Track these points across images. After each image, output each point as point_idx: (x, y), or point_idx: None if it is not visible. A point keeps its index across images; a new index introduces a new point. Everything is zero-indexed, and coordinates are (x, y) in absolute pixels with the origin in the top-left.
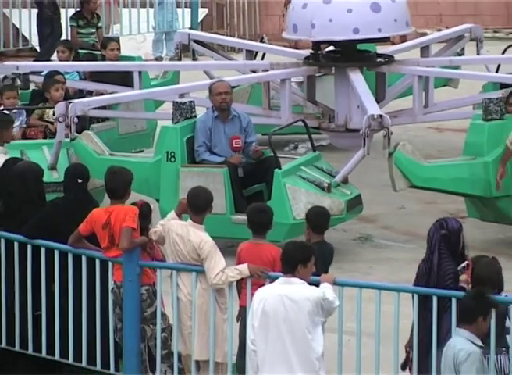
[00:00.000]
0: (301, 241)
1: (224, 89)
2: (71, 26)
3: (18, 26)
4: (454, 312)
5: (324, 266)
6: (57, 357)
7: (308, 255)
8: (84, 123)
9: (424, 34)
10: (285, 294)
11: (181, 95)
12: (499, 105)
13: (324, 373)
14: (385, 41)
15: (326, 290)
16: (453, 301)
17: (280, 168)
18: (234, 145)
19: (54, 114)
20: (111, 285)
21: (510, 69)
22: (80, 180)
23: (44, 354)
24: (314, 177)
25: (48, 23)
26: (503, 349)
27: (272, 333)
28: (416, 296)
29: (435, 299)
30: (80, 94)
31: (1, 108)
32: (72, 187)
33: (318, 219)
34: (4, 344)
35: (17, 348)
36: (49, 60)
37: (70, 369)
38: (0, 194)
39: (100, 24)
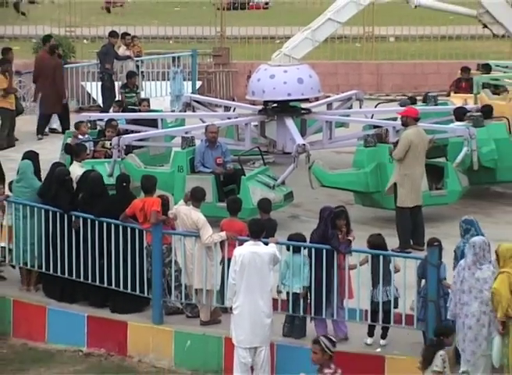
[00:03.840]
0: (262, 220)
1: (214, 130)
2: (121, 92)
3: (89, 92)
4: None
5: (272, 232)
6: (113, 286)
7: (264, 229)
8: (129, 149)
9: (329, 96)
10: (255, 251)
11: (186, 133)
12: (373, 138)
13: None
14: (305, 100)
15: (274, 248)
16: (335, 253)
17: (245, 175)
18: (217, 162)
19: (110, 144)
20: (145, 244)
21: (379, 116)
22: (124, 184)
23: (105, 284)
24: (264, 181)
25: (107, 90)
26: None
27: (246, 274)
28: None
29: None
30: (126, 132)
31: (84, 138)
32: (121, 187)
33: (265, 205)
34: (82, 279)
35: (90, 281)
36: (108, 112)
37: (116, 297)
38: (80, 191)
39: (138, 91)
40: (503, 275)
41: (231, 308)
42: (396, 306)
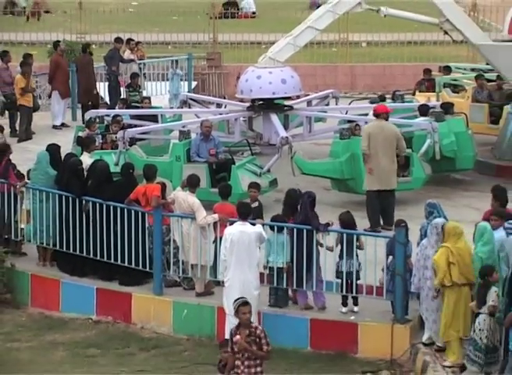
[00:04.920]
0: (248, 203)
1: (208, 124)
2: (126, 91)
3: (98, 90)
4: (315, 240)
5: (261, 215)
6: (119, 262)
7: (251, 211)
8: (133, 141)
9: (308, 95)
10: (243, 230)
11: (183, 127)
12: (347, 131)
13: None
14: (288, 98)
15: (261, 228)
16: (314, 232)
17: (235, 164)
18: (211, 153)
19: (116, 137)
20: (147, 225)
21: (353, 112)
22: (130, 171)
23: (112, 260)
24: (252, 169)
25: (113, 90)
26: (355, 256)
27: (236, 250)
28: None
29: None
30: (130, 126)
31: (92, 132)
32: (126, 174)
33: (256, 187)
34: (92, 255)
35: (98, 257)
36: (114, 109)
37: (121, 272)
38: (90, 179)
39: (140, 90)
40: (443, 249)
41: (223, 282)
42: (358, 278)
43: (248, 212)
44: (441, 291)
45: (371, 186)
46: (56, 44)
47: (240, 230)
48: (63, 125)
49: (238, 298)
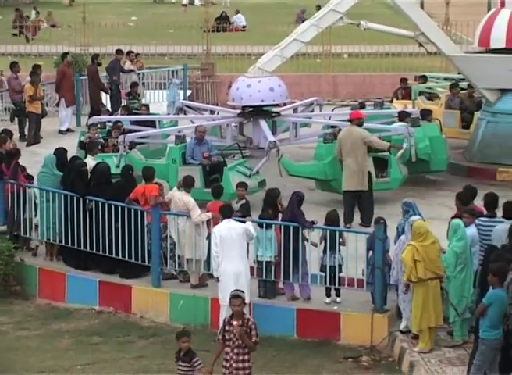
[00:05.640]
0: (229, 204)
1: (203, 130)
2: (126, 99)
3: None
4: (301, 236)
5: (248, 212)
6: (120, 256)
7: (232, 210)
8: (133, 145)
9: (294, 102)
10: (230, 227)
11: (179, 132)
12: (330, 135)
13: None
14: (276, 105)
15: (249, 226)
16: (300, 228)
17: (227, 166)
18: (204, 156)
19: (117, 142)
20: (145, 223)
21: (336, 118)
22: (130, 172)
23: (114, 255)
24: (242, 171)
25: (114, 98)
26: (338, 251)
27: (225, 245)
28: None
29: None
30: (130, 131)
31: (92, 135)
32: (126, 176)
33: (243, 186)
34: (95, 251)
35: (101, 252)
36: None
37: (122, 265)
38: (92, 179)
39: (140, 98)
40: (409, 247)
41: (218, 278)
42: (340, 271)
43: (230, 212)
44: (410, 286)
45: (344, 186)
46: (64, 55)
47: (226, 227)
48: (68, 130)
49: (233, 290)
